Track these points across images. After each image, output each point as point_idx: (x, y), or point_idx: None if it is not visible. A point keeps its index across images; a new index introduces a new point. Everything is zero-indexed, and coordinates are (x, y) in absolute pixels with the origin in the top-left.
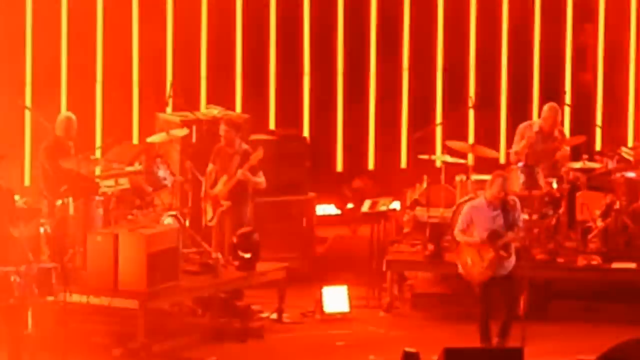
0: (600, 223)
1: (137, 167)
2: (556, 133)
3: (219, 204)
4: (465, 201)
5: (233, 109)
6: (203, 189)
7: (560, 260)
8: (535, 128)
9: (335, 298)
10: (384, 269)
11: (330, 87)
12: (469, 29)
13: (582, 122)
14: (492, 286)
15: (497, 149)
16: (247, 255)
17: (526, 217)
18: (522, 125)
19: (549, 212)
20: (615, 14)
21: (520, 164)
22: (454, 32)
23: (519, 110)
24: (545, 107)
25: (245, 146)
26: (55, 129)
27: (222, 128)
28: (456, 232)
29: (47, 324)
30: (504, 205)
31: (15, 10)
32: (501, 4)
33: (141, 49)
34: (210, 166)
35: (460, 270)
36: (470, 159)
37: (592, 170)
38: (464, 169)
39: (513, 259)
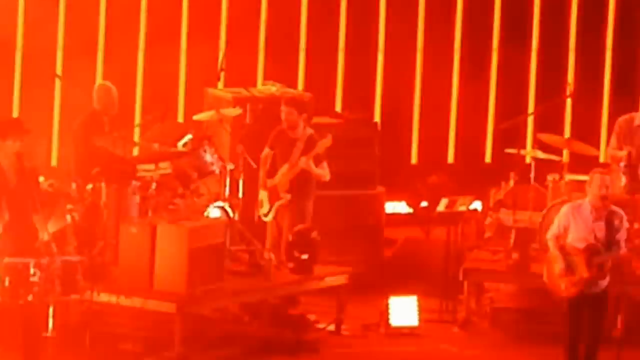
0: None
1: (181, 149)
2: None
3: (278, 196)
4: (557, 204)
5: (294, 86)
6: (260, 177)
7: None
8: (637, 122)
9: (403, 310)
10: (460, 278)
11: (406, 66)
12: (570, 3)
13: None
14: (582, 303)
15: (597, 146)
16: (304, 257)
17: (627, 225)
18: (621, 119)
19: None
20: None
21: (622, 164)
22: (551, 7)
23: (624, 101)
24: None
25: (309, 131)
26: (92, 100)
27: (284, 109)
28: (549, 236)
29: (70, 326)
30: (608, 217)
31: None
32: None
33: (191, 14)
34: (267, 150)
35: (545, 279)
36: (565, 156)
37: None
38: (557, 167)
39: (608, 276)
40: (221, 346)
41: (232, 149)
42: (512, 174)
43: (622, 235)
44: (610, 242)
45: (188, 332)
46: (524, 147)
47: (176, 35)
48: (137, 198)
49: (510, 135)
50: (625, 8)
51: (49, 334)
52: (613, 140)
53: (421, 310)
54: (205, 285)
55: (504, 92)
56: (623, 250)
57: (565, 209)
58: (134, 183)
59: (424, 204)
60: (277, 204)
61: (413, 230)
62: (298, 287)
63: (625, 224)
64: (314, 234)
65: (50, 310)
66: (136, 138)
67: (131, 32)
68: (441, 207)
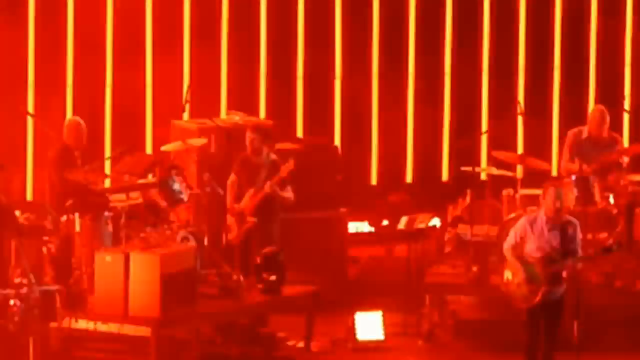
0: None
1: (150, 179)
2: (608, 136)
3: (245, 220)
4: (513, 218)
5: (257, 114)
6: (228, 202)
7: (618, 283)
8: (585, 134)
9: (369, 325)
10: (422, 292)
11: (364, 91)
12: (518, 26)
13: None
14: (540, 312)
15: (549, 160)
16: (272, 278)
17: (581, 235)
18: (570, 133)
19: (613, 247)
20: None
21: (574, 177)
22: (501, 30)
23: (573, 118)
24: (591, 110)
25: (273, 156)
26: (62, 135)
27: (249, 135)
28: (506, 246)
29: (50, 353)
30: (563, 226)
31: (18, 9)
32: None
33: (155, 50)
34: (232, 177)
35: (504, 289)
36: (519, 171)
37: None
38: (511, 182)
39: (564, 284)
40: None
41: (199, 177)
42: (468, 191)
43: (578, 244)
44: (565, 250)
45: (163, 354)
46: (479, 164)
47: (141, 70)
48: (109, 228)
49: (465, 153)
50: (572, 29)
51: None
52: (565, 152)
53: (386, 324)
54: (178, 308)
55: (457, 112)
56: (579, 261)
57: (521, 220)
58: (107, 214)
59: (385, 222)
60: (244, 227)
61: (376, 249)
62: (267, 307)
63: (579, 231)
64: (281, 256)
65: (31, 338)
66: (107, 170)
67: (99, 69)
68: (402, 225)
